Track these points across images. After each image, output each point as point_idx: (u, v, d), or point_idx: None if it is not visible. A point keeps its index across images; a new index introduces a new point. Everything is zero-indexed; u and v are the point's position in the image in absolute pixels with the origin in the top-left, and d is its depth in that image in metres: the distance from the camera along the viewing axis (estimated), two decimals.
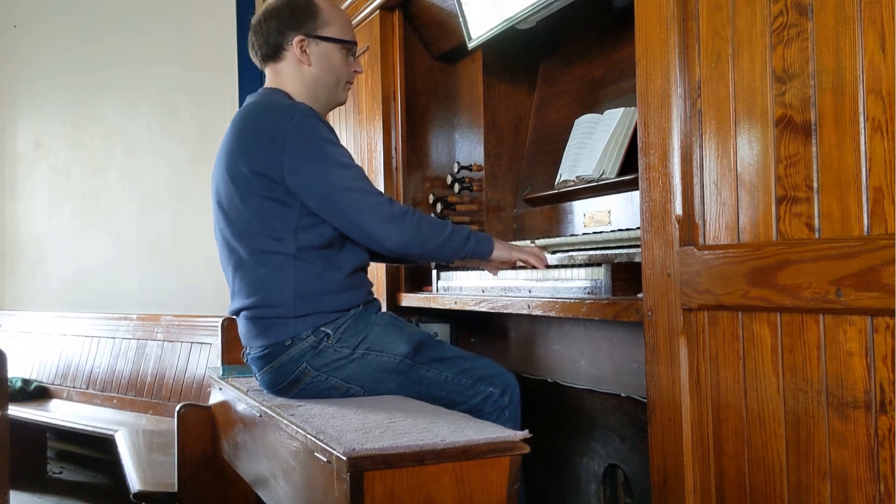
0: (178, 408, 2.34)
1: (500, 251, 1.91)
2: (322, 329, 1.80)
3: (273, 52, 1.91)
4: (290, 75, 1.91)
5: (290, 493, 1.60)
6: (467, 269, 2.42)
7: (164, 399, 3.73)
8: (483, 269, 2.11)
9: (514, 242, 2.09)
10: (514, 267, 2.03)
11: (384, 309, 2.70)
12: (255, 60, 1.97)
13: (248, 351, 1.91)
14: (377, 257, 2.20)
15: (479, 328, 2.63)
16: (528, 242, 2.20)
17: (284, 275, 1.79)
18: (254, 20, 1.96)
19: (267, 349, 1.83)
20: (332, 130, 1.83)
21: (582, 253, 2.02)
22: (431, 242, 1.81)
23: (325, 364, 1.80)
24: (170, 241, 4.45)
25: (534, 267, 1.94)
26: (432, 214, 2.64)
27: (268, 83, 1.95)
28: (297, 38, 1.88)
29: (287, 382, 1.83)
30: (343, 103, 2.02)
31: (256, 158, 1.77)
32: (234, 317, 1.94)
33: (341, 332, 1.81)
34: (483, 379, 1.83)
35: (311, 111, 1.81)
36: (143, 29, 4.55)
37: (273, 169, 1.75)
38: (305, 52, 1.89)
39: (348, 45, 1.94)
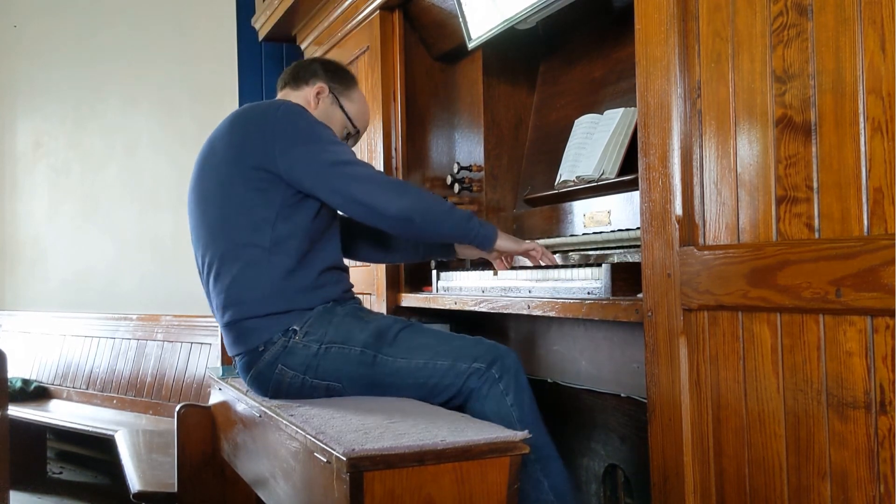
0: (178, 408, 2.34)
1: (504, 241, 1.89)
2: (291, 329, 1.78)
3: (294, 82, 2.01)
4: None
5: (290, 493, 1.60)
6: (468, 268, 2.42)
7: (164, 399, 3.73)
8: (486, 263, 2.10)
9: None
10: (513, 267, 2.02)
11: (384, 310, 2.71)
12: (279, 85, 2.06)
13: (234, 361, 1.92)
14: (377, 255, 2.19)
15: (479, 328, 2.62)
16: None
17: (256, 269, 1.78)
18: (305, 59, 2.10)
19: (245, 356, 1.83)
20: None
21: (582, 253, 2.03)
22: (433, 213, 1.77)
23: (299, 363, 1.78)
24: (170, 240, 4.45)
25: (538, 265, 1.94)
26: None
27: None
28: (320, 84, 1.98)
29: (270, 388, 1.82)
30: None
31: (248, 150, 1.78)
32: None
33: (308, 326, 1.78)
34: (462, 357, 1.72)
35: (298, 104, 1.86)
36: (142, 27, 4.55)
37: (265, 157, 1.75)
38: (318, 98, 1.98)
39: (352, 128, 2.02)
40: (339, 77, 2.02)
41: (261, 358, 1.80)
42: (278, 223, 1.77)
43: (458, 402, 1.73)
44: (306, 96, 1.97)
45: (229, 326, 1.84)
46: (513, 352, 1.76)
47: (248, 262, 1.78)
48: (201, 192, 1.87)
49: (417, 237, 2.04)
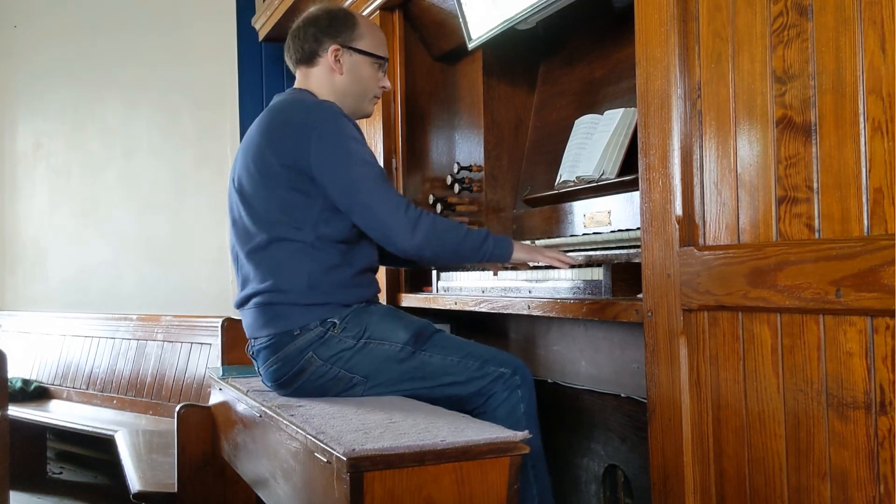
0: (178, 408, 2.34)
1: (519, 253, 1.90)
2: (329, 320, 1.82)
3: (307, 58, 1.98)
4: (320, 81, 1.97)
5: (290, 493, 1.60)
6: (467, 269, 2.42)
7: (164, 399, 3.73)
8: (488, 270, 2.11)
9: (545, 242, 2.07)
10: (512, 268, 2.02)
11: None
12: (289, 63, 2.03)
13: (252, 343, 1.91)
14: (390, 260, 2.20)
15: (479, 329, 2.63)
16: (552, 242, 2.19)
17: (300, 261, 1.82)
18: (293, 25, 2.03)
19: (273, 338, 1.84)
20: (358, 130, 1.87)
21: (582, 253, 2.03)
22: (446, 248, 1.82)
23: (332, 354, 1.81)
24: (170, 241, 4.45)
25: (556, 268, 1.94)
26: None
27: (296, 85, 2.01)
28: (332, 47, 1.95)
29: (291, 374, 1.84)
30: (368, 115, 2.05)
31: (285, 150, 1.81)
32: (238, 308, 1.94)
33: (346, 322, 1.83)
34: (491, 360, 1.82)
35: (339, 109, 1.86)
36: (143, 30, 4.55)
37: (301, 158, 1.79)
38: (339, 61, 1.95)
39: (380, 61, 2.00)
40: (340, 26, 1.97)
41: (292, 342, 1.82)
42: (320, 224, 1.82)
43: (478, 402, 1.81)
44: (328, 65, 1.95)
45: (262, 307, 1.85)
46: (523, 363, 1.85)
47: (291, 253, 1.82)
48: (244, 181, 1.89)
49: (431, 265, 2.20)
